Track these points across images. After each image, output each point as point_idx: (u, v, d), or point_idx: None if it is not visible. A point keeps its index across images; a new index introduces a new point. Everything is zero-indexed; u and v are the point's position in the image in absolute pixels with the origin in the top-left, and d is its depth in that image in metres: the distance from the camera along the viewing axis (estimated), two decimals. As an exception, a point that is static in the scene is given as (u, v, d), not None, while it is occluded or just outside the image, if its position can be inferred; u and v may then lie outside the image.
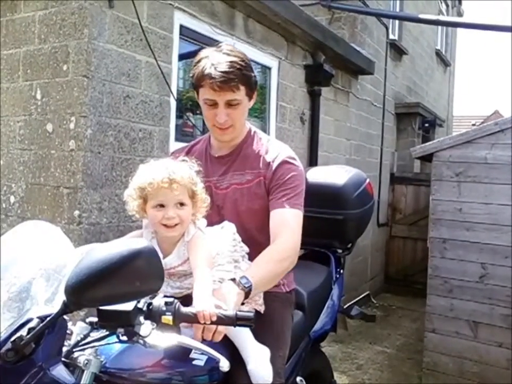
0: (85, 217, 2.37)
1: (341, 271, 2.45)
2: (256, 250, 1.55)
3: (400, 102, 7.01)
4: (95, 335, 1.17)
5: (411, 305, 5.78)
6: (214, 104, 1.60)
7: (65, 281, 1.05)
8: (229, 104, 1.60)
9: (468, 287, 3.50)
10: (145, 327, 1.13)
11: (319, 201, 2.27)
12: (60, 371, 1.09)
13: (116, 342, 1.17)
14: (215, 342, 1.29)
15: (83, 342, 1.16)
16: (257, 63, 3.70)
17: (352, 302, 5.23)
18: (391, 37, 6.54)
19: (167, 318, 1.17)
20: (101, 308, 1.11)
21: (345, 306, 3.50)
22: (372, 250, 6.12)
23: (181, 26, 2.94)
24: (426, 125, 7.38)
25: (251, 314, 1.22)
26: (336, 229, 2.40)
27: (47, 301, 1.13)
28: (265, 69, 3.89)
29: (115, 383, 1.23)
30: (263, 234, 1.63)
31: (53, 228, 1.29)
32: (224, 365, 1.19)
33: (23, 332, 1.03)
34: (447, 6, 10.08)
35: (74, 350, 1.15)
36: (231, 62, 1.56)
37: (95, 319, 1.15)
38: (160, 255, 1.37)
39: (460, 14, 10.95)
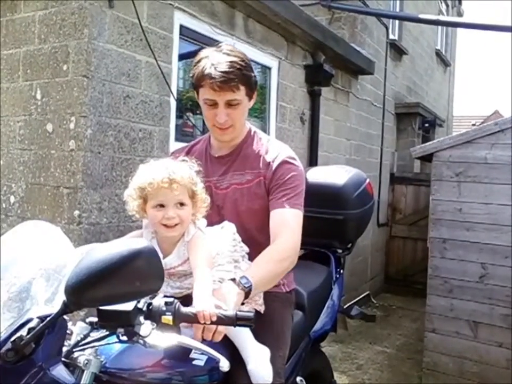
0: (85, 217, 2.37)
1: (341, 271, 2.46)
2: (256, 250, 1.55)
3: (400, 102, 7.01)
4: (95, 335, 1.17)
5: (411, 305, 5.78)
6: (214, 104, 1.60)
7: (65, 281, 1.05)
8: (229, 104, 1.59)
9: (468, 287, 3.50)
10: (145, 327, 1.13)
11: (319, 201, 2.27)
12: (60, 371, 1.09)
13: (116, 342, 1.17)
14: (215, 342, 1.29)
15: (83, 342, 1.16)
16: (257, 63, 3.70)
17: (352, 302, 5.23)
18: (391, 37, 6.54)
19: (167, 318, 1.17)
20: (101, 308, 1.11)
21: (345, 306, 3.51)
22: (372, 250, 6.12)
23: (181, 26, 2.94)
24: (426, 125, 7.39)
25: (251, 314, 1.22)
26: (336, 229, 2.40)
27: (47, 301, 1.13)
28: (265, 69, 3.89)
29: (115, 383, 1.23)
30: (263, 234, 1.63)
31: (53, 228, 1.29)
32: (224, 365, 1.19)
33: (23, 331, 1.03)
34: (447, 6, 10.08)
35: (74, 350, 1.15)
36: (231, 62, 1.56)
37: (95, 319, 1.15)
38: (160, 255, 1.37)
39: (459, 14, 10.95)
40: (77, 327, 1.19)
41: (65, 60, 2.43)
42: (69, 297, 1.04)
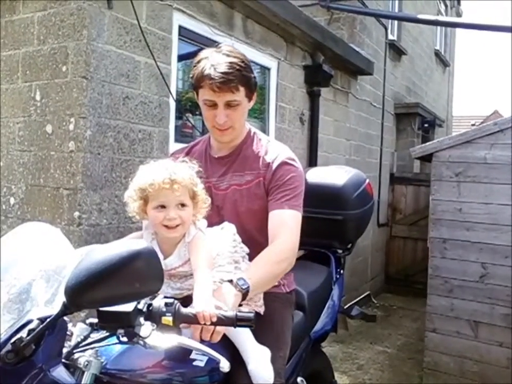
0: (84, 219, 2.37)
1: (341, 271, 2.46)
2: (256, 251, 1.55)
3: (400, 102, 7.01)
4: (95, 336, 1.17)
5: (412, 305, 5.78)
6: (214, 105, 1.60)
7: (65, 283, 1.05)
8: (229, 105, 1.59)
9: (468, 287, 3.51)
10: (145, 328, 1.13)
11: (319, 201, 2.27)
12: (60, 372, 1.09)
13: (116, 343, 1.17)
14: (214, 342, 1.28)
15: (83, 343, 1.16)
16: (257, 64, 3.70)
17: (353, 302, 5.23)
18: (390, 37, 6.54)
19: (167, 319, 1.16)
20: (101, 309, 1.11)
21: (345, 307, 3.51)
22: (372, 250, 6.12)
23: (180, 27, 2.94)
24: (426, 125, 7.39)
25: (251, 315, 1.22)
26: (336, 229, 2.40)
27: (47, 302, 1.13)
28: (265, 70, 3.89)
29: (115, 384, 1.23)
30: (263, 235, 1.62)
31: (53, 229, 1.29)
32: (225, 365, 1.19)
33: (23, 333, 1.03)
34: (446, 6, 10.09)
35: (74, 351, 1.15)
36: (230, 63, 1.55)
37: (95, 320, 1.15)
38: (161, 256, 1.38)
39: (458, 15, 10.96)
40: (77, 328, 1.19)
41: (64, 61, 2.43)
42: (69, 298, 1.03)
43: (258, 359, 1.43)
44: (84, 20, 2.35)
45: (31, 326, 1.04)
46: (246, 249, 1.60)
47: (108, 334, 1.15)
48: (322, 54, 4.43)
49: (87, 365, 1.13)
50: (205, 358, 1.32)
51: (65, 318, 1.11)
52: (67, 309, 1.05)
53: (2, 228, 2.63)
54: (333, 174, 2.47)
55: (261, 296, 1.59)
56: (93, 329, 1.17)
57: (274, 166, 1.66)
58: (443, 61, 9.82)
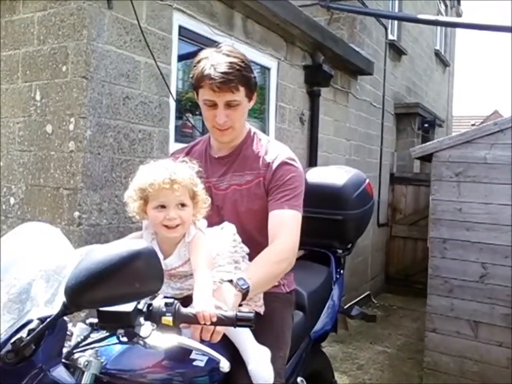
0: (84, 219, 2.37)
1: (341, 271, 2.46)
2: (256, 251, 1.55)
3: (400, 102, 7.01)
4: (95, 336, 1.17)
5: (412, 305, 5.78)
6: (214, 105, 1.60)
7: (65, 283, 1.05)
8: (229, 105, 1.59)
9: (468, 287, 3.51)
10: (145, 328, 1.13)
11: (319, 201, 2.27)
12: (60, 372, 1.09)
13: (116, 343, 1.17)
14: (214, 342, 1.29)
15: (83, 343, 1.16)
16: (256, 64, 3.70)
17: (353, 302, 5.23)
18: (390, 37, 6.54)
19: (167, 319, 1.16)
20: (101, 309, 1.11)
21: (345, 307, 3.51)
22: (372, 250, 6.12)
23: (180, 27, 2.94)
24: (426, 125, 7.39)
25: (251, 314, 1.22)
26: (336, 229, 2.40)
27: (47, 302, 1.13)
28: (265, 70, 3.89)
29: (115, 384, 1.23)
30: (263, 235, 1.62)
31: (53, 229, 1.29)
32: (225, 365, 1.19)
33: (23, 333, 1.02)
34: (446, 6, 10.09)
35: (74, 351, 1.15)
36: (230, 63, 1.55)
37: (95, 320, 1.15)
38: (161, 256, 1.38)
39: (458, 15, 10.96)
40: (77, 328, 1.19)
41: (64, 61, 2.43)
42: (69, 298, 1.03)
43: (258, 359, 1.43)
44: (84, 19, 2.35)
45: (31, 326, 1.04)
46: (246, 249, 1.60)
47: (107, 334, 1.15)
48: (322, 54, 4.43)
49: (87, 365, 1.13)
50: (205, 358, 1.32)
51: (65, 318, 1.11)
52: (67, 309, 1.05)
53: (2, 228, 2.63)
54: (333, 174, 2.47)
55: (261, 296, 1.59)
56: (93, 329, 1.17)
57: (274, 166, 1.66)
58: (443, 61, 9.82)
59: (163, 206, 1.40)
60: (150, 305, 1.17)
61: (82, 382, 1.13)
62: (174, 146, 2.83)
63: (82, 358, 1.14)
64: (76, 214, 2.36)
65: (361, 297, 5.75)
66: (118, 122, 2.52)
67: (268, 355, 1.46)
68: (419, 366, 3.89)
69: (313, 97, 4.47)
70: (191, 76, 1.65)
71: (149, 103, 2.70)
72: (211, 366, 1.33)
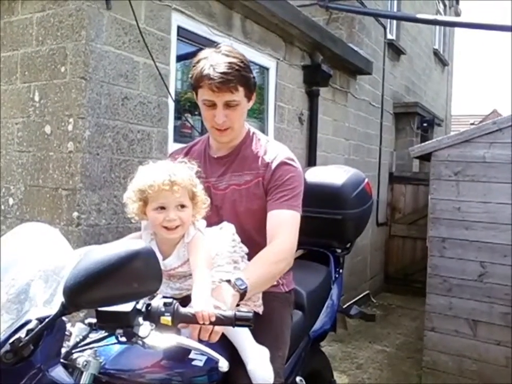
0: (83, 219, 2.37)
1: (340, 270, 2.46)
2: (255, 251, 1.55)
3: (399, 102, 7.01)
4: (94, 336, 1.17)
5: (411, 304, 5.78)
6: (213, 105, 1.60)
7: (64, 283, 1.05)
8: (228, 105, 1.59)
9: (467, 286, 3.51)
10: (144, 328, 1.13)
11: (318, 201, 2.28)
12: (58, 372, 1.09)
13: (115, 343, 1.17)
14: (213, 342, 1.29)
15: (82, 343, 1.16)
16: (255, 64, 3.70)
17: (352, 301, 5.23)
18: (388, 36, 6.55)
19: (166, 319, 1.17)
20: (99, 309, 1.11)
21: (344, 306, 3.51)
22: (371, 249, 6.12)
23: (179, 28, 2.94)
24: (425, 124, 7.39)
25: (250, 314, 1.22)
26: (335, 229, 2.40)
27: (46, 303, 1.13)
28: (263, 70, 3.89)
29: (114, 384, 1.24)
30: (262, 235, 1.62)
31: (52, 230, 1.29)
32: (224, 365, 1.19)
33: (22, 333, 1.03)
34: (445, 5, 10.09)
35: (73, 351, 1.15)
36: (229, 63, 1.55)
37: (94, 320, 1.15)
38: (160, 257, 1.38)
39: (457, 14, 10.96)
40: (75, 328, 1.19)
41: (63, 62, 2.43)
42: (68, 298, 1.04)
43: (257, 358, 1.43)
44: (83, 20, 2.35)
45: (29, 326, 1.04)
46: (245, 249, 1.60)
47: (106, 334, 1.16)
48: (321, 54, 4.43)
49: (85, 365, 1.13)
50: (204, 358, 1.32)
51: (63, 318, 1.11)
52: (66, 309, 1.05)
53: (1, 229, 2.63)
54: (332, 174, 2.47)
55: (260, 296, 1.59)
56: (91, 329, 1.17)
57: (273, 166, 1.66)
58: (442, 60, 9.82)
59: (163, 207, 1.40)
60: (148, 305, 1.17)
61: (81, 382, 1.13)
62: (173, 146, 2.83)
63: (81, 358, 1.14)
64: (75, 214, 2.36)
65: (360, 296, 5.76)
66: (116, 122, 2.52)
67: (267, 355, 1.46)
68: (418, 365, 3.89)
69: (312, 97, 4.47)
70: (190, 76, 1.65)
71: (147, 103, 2.70)
72: (210, 366, 1.33)
